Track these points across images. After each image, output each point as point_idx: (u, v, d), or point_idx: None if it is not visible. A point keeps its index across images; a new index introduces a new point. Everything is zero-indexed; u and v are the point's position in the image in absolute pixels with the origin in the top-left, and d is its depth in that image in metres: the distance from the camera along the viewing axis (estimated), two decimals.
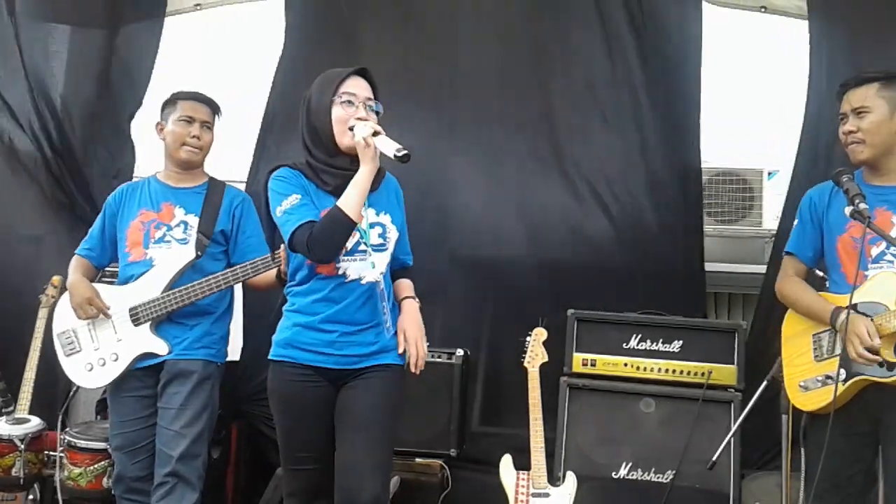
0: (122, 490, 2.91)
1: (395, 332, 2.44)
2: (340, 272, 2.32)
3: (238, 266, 2.88)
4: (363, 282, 2.35)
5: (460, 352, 3.79)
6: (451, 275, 4.25)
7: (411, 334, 2.40)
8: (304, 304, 2.33)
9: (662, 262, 4.05)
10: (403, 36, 4.37)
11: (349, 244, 2.31)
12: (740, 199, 4.32)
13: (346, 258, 2.33)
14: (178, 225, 2.94)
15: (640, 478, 3.43)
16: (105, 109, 4.48)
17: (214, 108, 3.06)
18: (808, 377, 2.45)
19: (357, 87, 2.36)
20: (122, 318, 2.92)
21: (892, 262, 2.34)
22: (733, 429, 3.22)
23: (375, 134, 2.22)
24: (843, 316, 2.31)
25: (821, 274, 2.62)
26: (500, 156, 4.24)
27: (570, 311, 3.63)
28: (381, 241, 2.39)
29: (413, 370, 2.39)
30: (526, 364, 3.37)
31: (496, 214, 4.23)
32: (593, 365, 3.59)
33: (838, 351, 2.34)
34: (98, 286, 3.03)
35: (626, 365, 3.58)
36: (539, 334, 3.42)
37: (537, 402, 3.30)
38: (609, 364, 3.58)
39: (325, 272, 2.33)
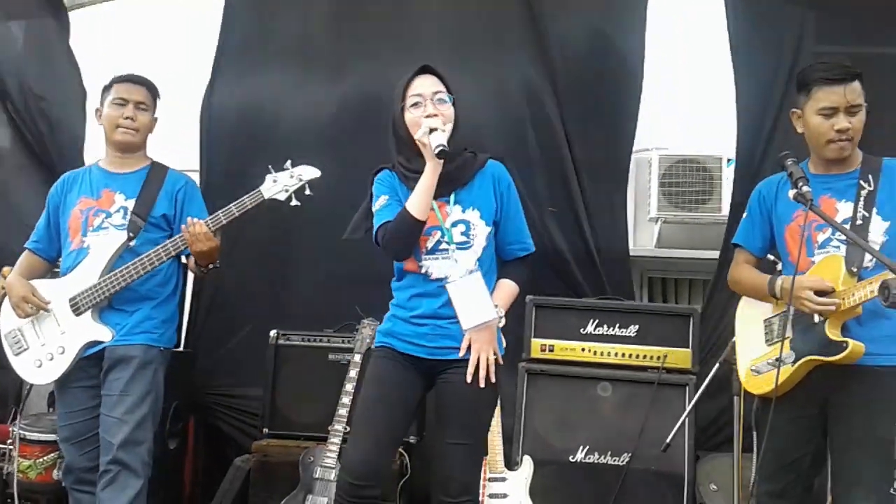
0: (72, 481, 2.87)
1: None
2: (423, 270, 2.40)
3: (169, 242, 2.78)
4: (451, 279, 2.37)
5: None
6: None
7: (477, 346, 2.36)
8: (402, 299, 2.44)
9: (592, 247, 4.10)
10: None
11: (430, 243, 2.38)
12: (700, 185, 4.36)
13: (427, 257, 2.39)
14: (117, 211, 2.88)
15: (596, 461, 3.46)
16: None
17: (152, 90, 2.99)
18: (759, 360, 2.48)
19: (422, 85, 2.41)
20: (63, 309, 2.85)
21: (837, 247, 2.36)
22: (686, 411, 3.26)
23: (432, 132, 2.28)
24: (779, 280, 2.36)
25: (772, 258, 2.65)
26: None
27: (528, 298, 3.64)
28: (464, 238, 2.40)
29: (467, 379, 2.35)
30: None
31: None
32: (551, 350, 3.61)
33: (788, 334, 2.38)
34: (38, 281, 2.96)
35: (583, 350, 3.61)
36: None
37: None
38: (567, 349, 3.61)
39: (411, 269, 2.42)
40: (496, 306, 2.39)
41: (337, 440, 3.25)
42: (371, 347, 3.41)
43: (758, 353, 2.49)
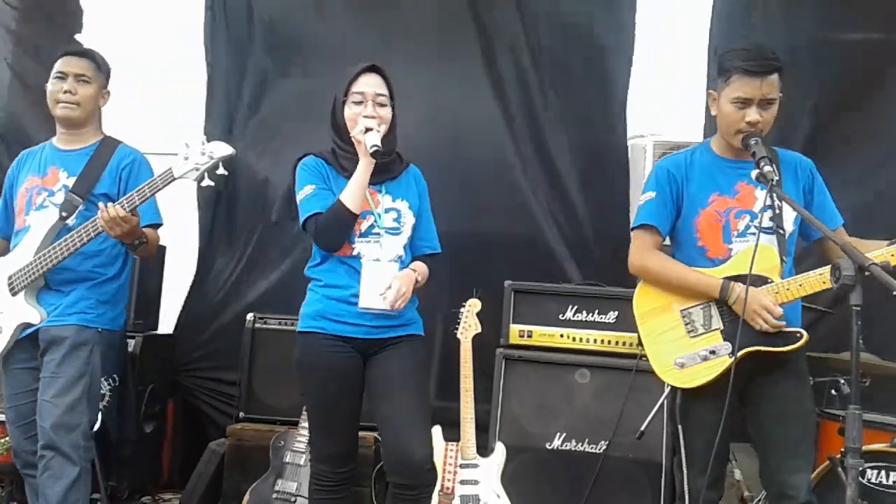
0: (21, 465, 2.79)
1: (413, 311, 2.59)
2: (354, 253, 2.46)
3: (88, 224, 2.68)
4: (383, 262, 2.47)
5: None
6: None
7: (397, 283, 2.45)
8: (335, 279, 2.46)
9: (590, 234, 4.14)
10: None
11: (363, 227, 2.46)
12: None
13: (360, 240, 2.47)
14: (59, 189, 2.80)
15: (573, 448, 3.43)
16: None
17: (95, 61, 2.88)
18: (683, 354, 2.35)
19: (367, 84, 2.49)
20: (2, 289, 2.80)
21: (755, 234, 2.27)
22: (661, 399, 3.20)
23: (367, 131, 2.39)
24: (738, 290, 2.25)
25: (667, 243, 2.55)
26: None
27: (507, 283, 3.60)
28: (395, 224, 2.51)
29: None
30: (459, 335, 3.34)
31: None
32: (530, 336, 3.57)
33: (716, 325, 2.32)
34: None
35: (562, 336, 3.56)
36: (473, 305, 3.39)
37: (469, 374, 3.27)
38: (545, 335, 3.56)
39: (341, 253, 2.47)
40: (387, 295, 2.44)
41: (307, 425, 3.21)
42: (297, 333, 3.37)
43: (680, 346, 2.37)
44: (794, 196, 2.34)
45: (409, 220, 2.55)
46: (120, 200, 2.62)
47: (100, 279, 2.83)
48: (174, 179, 2.61)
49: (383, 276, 2.44)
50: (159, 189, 2.63)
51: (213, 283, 4.29)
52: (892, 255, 2.11)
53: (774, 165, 2.29)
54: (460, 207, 4.20)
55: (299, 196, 2.48)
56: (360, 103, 2.48)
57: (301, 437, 3.22)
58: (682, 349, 2.37)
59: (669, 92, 4.60)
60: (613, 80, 4.17)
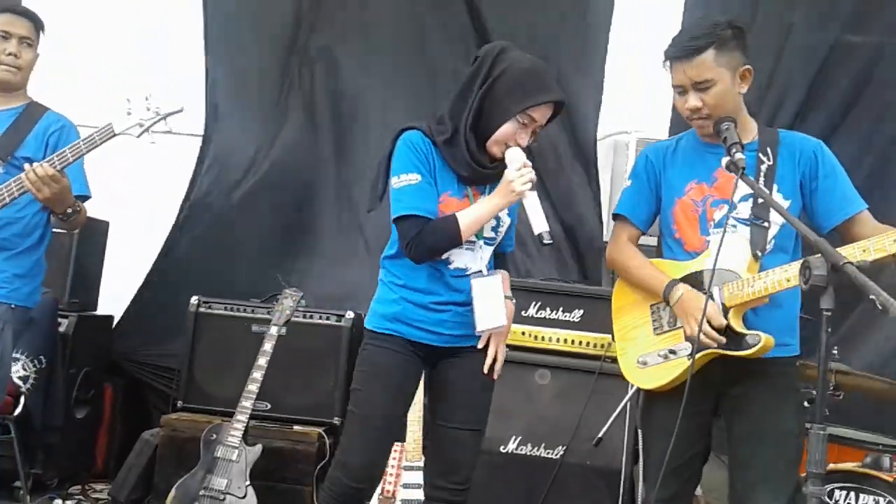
0: None
1: None
2: (442, 257, 2.22)
3: (12, 183, 2.47)
4: (469, 272, 2.24)
5: (350, 314, 3.55)
6: (348, 233, 4.14)
7: (495, 341, 2.28)
8: (415, 283, 2.23)
9: (558, 230, 4.01)
10: None
11: None
12: None
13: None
14: None
15: (528, 453, 3.24)
16: None
17: (37, 24, 2.70)
18: (646, 352, 2.16)
19: (543, 115, 2.21)
20: None
21: (735, 226, 2.06)
22: (622, 403, 3.02)
23: (532, 187, 2.13)
24: (680, 292, 2.07)
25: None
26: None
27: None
28: (492, 234, 2.29)
29: (490, 375, 2.29)
30: None
31: None
32: None
33: (680, 323, 2.11)
34: None
35: (523, 333, 3.37)
36: None
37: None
38: None
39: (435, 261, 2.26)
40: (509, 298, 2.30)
41: (243, 418, 3.02)
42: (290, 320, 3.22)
43: (645, 343, 2.20)
44: (791, 183, 2.11)
45: (505, 226, 2.31)
46: (50, 157, 2.42)
47: (16, 250, 2.60)
48: (114, 135, 2.43)
49: (493, 291, 2.23)
50: (96, 146, 2.44)
51: (174, 264, 4.11)
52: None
53: (770, 150, 2.11)
54: None
55: (398, 181, 2.17)
56: (526, 126, 2.18)
57: (235, 431, 3.01)
58: (646, 347, 2.18)
59: (654, 88, 4.44)
60: (586, 75, 4.09)
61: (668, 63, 2.13)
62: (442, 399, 2.29)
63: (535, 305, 3.39)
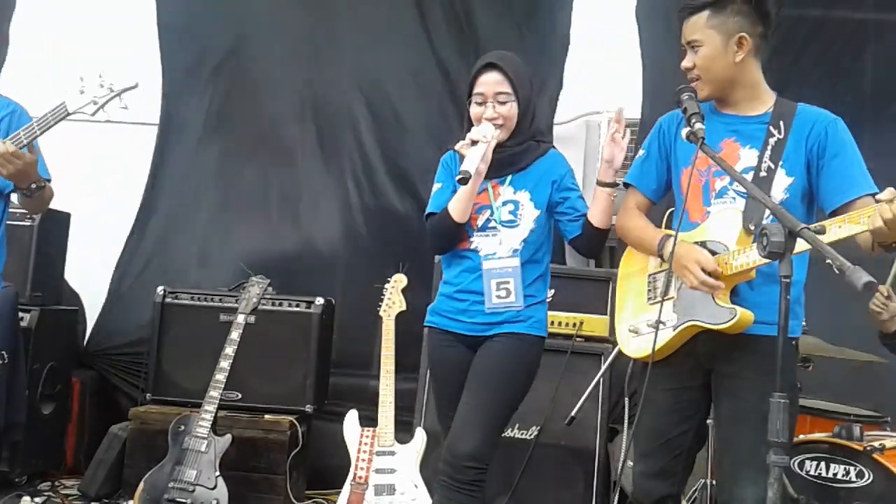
0: None
1: (531, 305, 2.40)
2: (472, 247, 2.41)
3: None
4: (498, 256, 2.38)
5: (320, 300, 3.51)
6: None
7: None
8: (451, 275, 2.46)
9: None
10: None
11: (480, 221, 2.40)
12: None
13: (478, 234, 2.41)
14: None
15: (503, 434, 3.20)
16: None
17: None
18: (637, 320, 2.16)
19: (486, 83, 2.37)
20: None
21: (734, 198, 2.01)
22: (594, 381, 3.00)
23: (473, 144, 2.31)
24: (669, 244, 2.02)
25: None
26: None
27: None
28: (511, 217, 2.40)
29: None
30: (381, 313, 3.10)
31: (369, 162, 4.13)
32: None
33: (672, 293, 2.08)
34: None
35: None
36: (398, 281, 3.14)
37: (390, 354, 3.05)
38: None
39: (462, 246, 2.42)
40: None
41: (211, 408, 2.97)
42: (257, 308, 3.18)
43: (638, 311, 2.17)
44: (797, 160, 2.03)
45: (528, 212, 2.39)
46: (4, 140, 2.35)
47: None
48: (67, 114, 2.37)
49: (503, 272, 2.37)
50: (50, 126, 2.38)
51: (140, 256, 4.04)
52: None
53: (784, 124, 2.04)
54: (390, 181, 4.09)
55: (432, 190, 2.51)
56: (481, 104, 2.37)
57: (203, 421, 2.96)
58: (638, 315, 2.16)
59: (624, 68, 4.42)
60: (547, 60, 4.04)
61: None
62: (467, 382, 2.37)
63: None
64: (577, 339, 3.29)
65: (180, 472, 2.90)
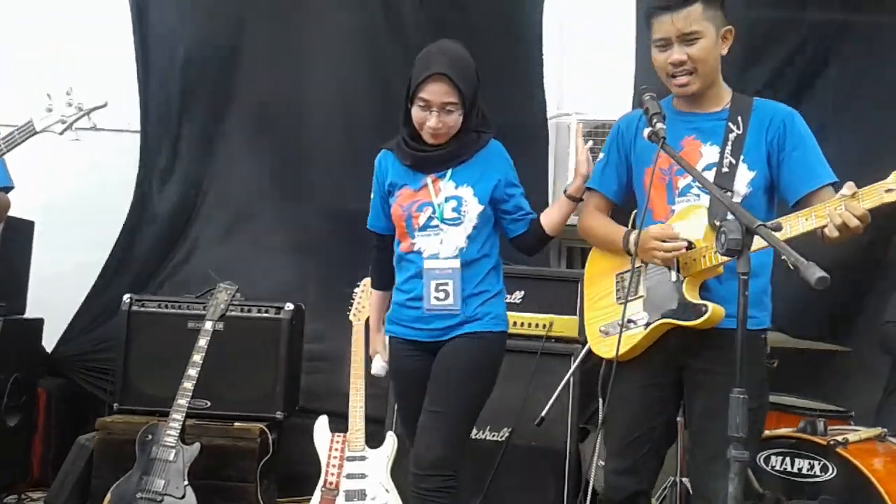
0: None
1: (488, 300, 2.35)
2: (416, 248, 2.34)
3: None
4: (441, 256, 2.31)
5: (290, 306, 3.48)
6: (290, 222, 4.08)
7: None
8: (401, 281, 2.42)
9: None
10: None
11: (421, 220, 2.33)
12: None
13: (420, 234, 2.33)
14: None
15: (474, 436, 3.17)
16: None
17: None
18: (608, 321, 2.19)
19: (433, 92, 2.25)
20: None
21: (698, 195, 2.04)
22: (563, 381, 3.01)
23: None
24: (632, 236, 2.07)
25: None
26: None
27: None
28: (455, 215, 2.32)
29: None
30: (351, 317, 3.10)
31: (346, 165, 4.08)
32: None
33: (641, 292, 2.11)
34: None
35: None
36: (367, 285, 3.13)
37: (360, 359, 3.04)
38: None
39: (405, 249, 2.37)
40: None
41: (179, 416, 2.94)
42: (225, 315, 3.15)
43: (608, 311, 2.19)
44: (757, 154, 2.07)
45: (472, 208, 2.31)
46: None
47: None
48: (35, 133, 2.38)
49: (443, 273, 2.31)
50: (17, 144, 2.40)
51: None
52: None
53: (742, 119, 2.07)
54: (357, 182, 3.99)
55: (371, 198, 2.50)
56: (424, 109, 2.27)
57: (171, 430, 2.92)
58: (608, 316, 2.17)
59: (598, 69, 4.45)
60: (528, 55, 4.05)
61: (650, 20, 2.09)
62: (428, 386, 2.33)
63: None
64: (548, 339, 3.30)
65: (148, 481, 2.87)
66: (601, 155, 2.27)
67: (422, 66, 2.27)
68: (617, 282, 2.19)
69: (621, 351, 2.05)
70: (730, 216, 1.72)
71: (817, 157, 2.07)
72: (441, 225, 2.31)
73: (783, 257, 1.46)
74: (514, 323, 3.32)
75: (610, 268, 2.22)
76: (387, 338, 2.49)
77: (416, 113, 2.29)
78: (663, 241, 2.00)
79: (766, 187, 2.08)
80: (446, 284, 2.29)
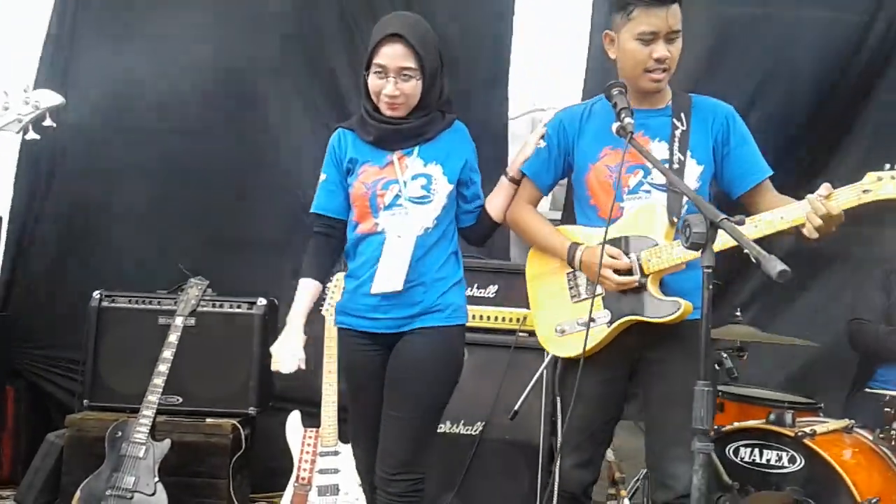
0: None
1: (449, 288, 2.24)
2: (379, 228, 2.19)
3: None
4: (405, 239, 2.17)
5: (262, 300, 3.46)
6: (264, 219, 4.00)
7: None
8: (354, 267, 2.25)
9: None
10: None
11: (387, 198, 2.19)
12: None
13: (384, 212, 2.19)
14: None
15: (448, 430, 3.21)
16: None
17: None
18: (564, 320, 2.16)
19: (388, 55, 2.14)
20: None
21: (649, 192, 2.06)
22: (536, 376, 3.02)
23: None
24: (578, 253, 2.09)
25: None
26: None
27: None
28: (423, 193, 2.20)
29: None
30: (323, 312, 3.07)
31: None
32: None
33: (599, 290, 2.11)
34: None
35: None
36: (340, 279, 3.11)
37: (333, 354, 3.02)
38: None
39: (365, 230, 2.21)
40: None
41: (149, 413, 2.91)
42: (196, 310, 3.12)
43: (563, 310, 2.20)
44: (704, 149, 2.11)
45: (441, 186, 2.21)
46: None
47: None
48: None
49: (399, 253, 2.16)
50: None
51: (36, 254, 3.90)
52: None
53: (684, 115, 2.10)
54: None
55: (319, 179, 2.31)
56: (380, 75, 2.16)
57: (141, 427, 2.90)
58: (564, 315, 2.17)
59: (568, 66, 4.46)
60: (491, 55, 4.02)
61: (632, 9, 2.04)
62: (386, 384, 2.23)
63: None
64: (521, 333, 3.31)
65: (118, 478, 2.84)
66: (543, 143, 2.22)
67: (378, 30, 2.18)
68: (569, 280, 2.19)
69: (579, 350, 2.07)
70: (687, 209, 1.76)
71: (757, 151, 2.16)
72: (406, 204, 2.19)
73: (745, 251, 1.47)
74: (488, 317, 3.34)
75: (557, 267, 2.21)
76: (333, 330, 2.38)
77: (372, 82, 2.17)
78: (615, 271, 2.03)
79: (710, 182, 2.14)
80: (400, 265, 2.15)
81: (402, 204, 2.18)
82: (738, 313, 3.02)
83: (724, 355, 3.04)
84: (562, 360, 2.23)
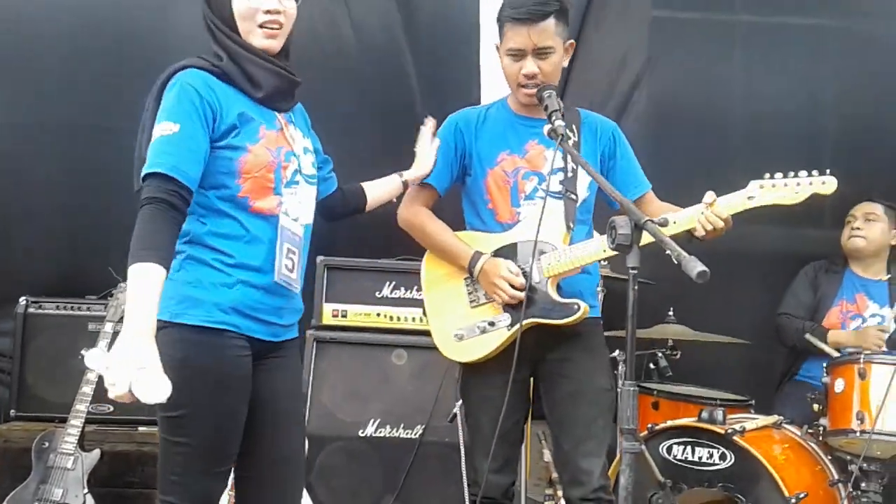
0: None
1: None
2: (283, 210, 1.77)
3: None
4: (300, 223, 1.82)
5: None
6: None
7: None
8: (250, 254, 1.72)
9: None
10: None
11: (289, 172, 1.78)
12: None
13: (286, 190, 1.78)
14: None
15: (388, 435, 3.20)
16: None
17: None
18: (463, 325, 2.18)
19: None
20: None
21: (543, 197, 2.10)
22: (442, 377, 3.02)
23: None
24: (480, 263, 2.13)
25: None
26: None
27: (319, 258, 3.31)
28: (313, 171, 1.89)
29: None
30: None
31: None
32: (344, 316, 3.30)
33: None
34: None
35: (378, 315, 3.31)
36: None
37: None
38: (361, 314, 3.31)
39: (266, 210, 1.75)
40: None
41: (78, 422, 2.84)
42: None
43: (461, 316, 2.21)
44: (592, 162, 2.19)
45: (318, 163, 1.95)
46: None
47: None
48: None
49: (291, 238, 1.80)
50: None
51: None
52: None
53: (575, 128, 2.18)
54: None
55: (155, 132, 1.67)
56: None
57: (69, 437, 2.81)
58: (462, 320, 2.20)
59: None
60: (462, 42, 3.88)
61: (503, 26, 2.12)
62: (270, 408, 1.85)
63: (389, 285, 3.34)
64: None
65: (45, 490, 2.78)
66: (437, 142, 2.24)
67: None
68: (467, 285, 2.23)
69: (481, 354, 2.15)
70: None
71: (638, 166, 2.29)
72: (302, 181, 1.84)
73: (667, 252, 1.50)
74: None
75: (455, 272, 2.24)
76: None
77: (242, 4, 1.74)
78: (510, 285, 2.10)
79: (595, 194, 2.23)
80: (294, 254, 1.81)
81: (298, 181, 1.83)
82: (671, 312, 3.08)
83: (659, 354, 3.11)
84: (462, 365, 2.25)
